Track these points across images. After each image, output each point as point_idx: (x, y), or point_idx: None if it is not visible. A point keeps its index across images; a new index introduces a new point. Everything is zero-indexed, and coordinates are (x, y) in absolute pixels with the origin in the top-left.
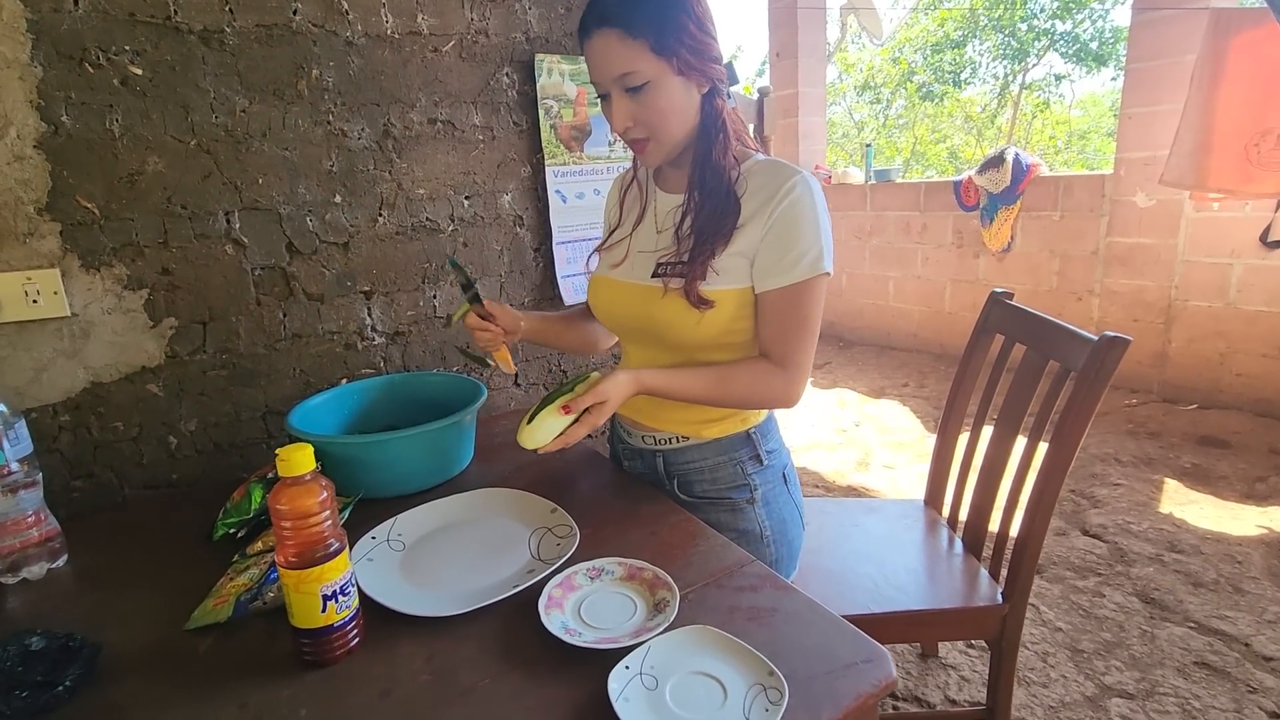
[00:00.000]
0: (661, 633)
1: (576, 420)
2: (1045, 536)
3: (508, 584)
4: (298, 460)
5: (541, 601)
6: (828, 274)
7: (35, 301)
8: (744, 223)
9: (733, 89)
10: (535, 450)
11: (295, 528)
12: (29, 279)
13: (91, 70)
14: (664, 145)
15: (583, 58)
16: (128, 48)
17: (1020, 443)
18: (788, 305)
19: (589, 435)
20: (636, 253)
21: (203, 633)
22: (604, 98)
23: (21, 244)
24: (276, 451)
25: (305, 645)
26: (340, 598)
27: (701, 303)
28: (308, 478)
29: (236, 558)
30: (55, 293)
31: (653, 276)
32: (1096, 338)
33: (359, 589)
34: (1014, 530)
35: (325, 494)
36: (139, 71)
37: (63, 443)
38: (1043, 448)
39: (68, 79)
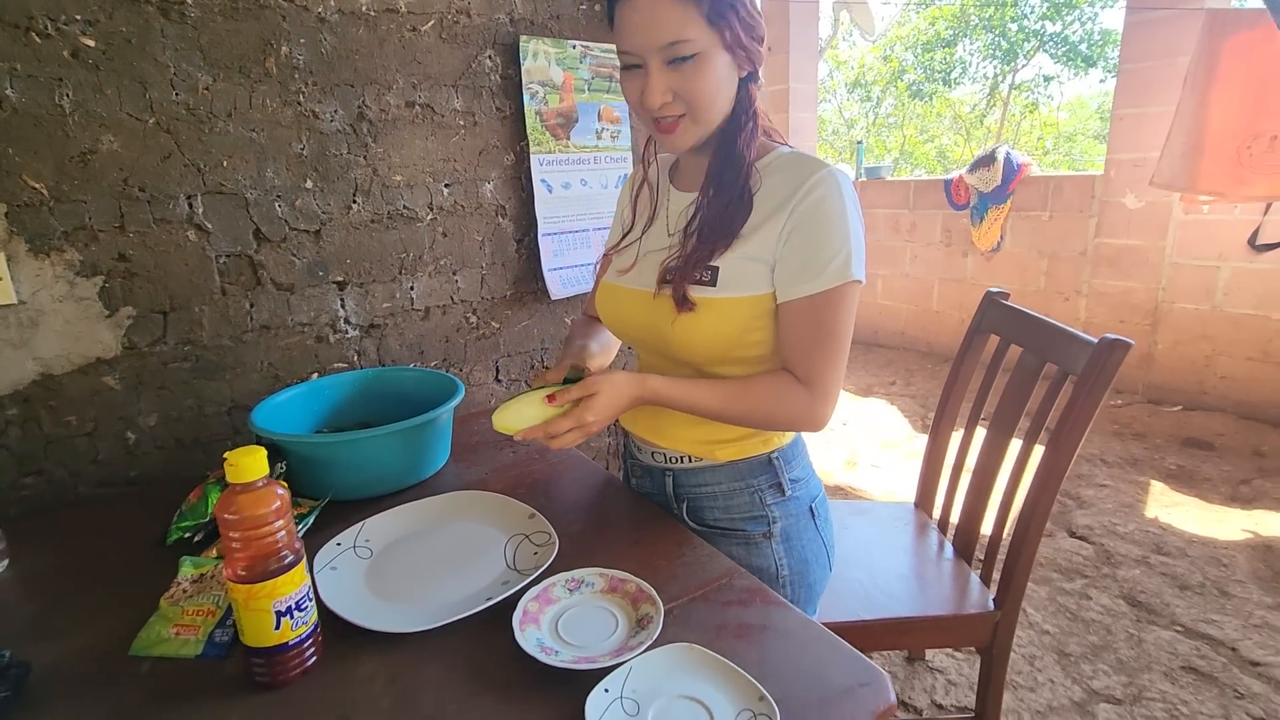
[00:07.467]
0: (644, 651)
1: (564, 414)
2: (1040, 542)
3: (480, 596)
4: (248, 465)
5: (516, 616)
6: (858, 282)
7: None
8: (759, 223)
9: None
10: (511, 436)
11: (245, 539)
12: None
13: (39, 40)
14: (700, 125)
15: (573, 42)
16: (79, 17)
17: (1014, 446)
18: (813, 316)
19: (587, 442)
20: (645, 255)
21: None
22: (631, 68)
23: None
24: (225, 455)
25: (257, 665)
26: (295, 613)
27: (684, 302)
28: (260, 484)
29: (184, 561)
30: (0, 278)
31: (659, 284)
32: (1096, 340)
33: (319, 601)
34: (1006, 534)
35: (279, 502)
36: (91, 43)
37: (11, 437)
38: (1037, 451)
39: (13, 49)
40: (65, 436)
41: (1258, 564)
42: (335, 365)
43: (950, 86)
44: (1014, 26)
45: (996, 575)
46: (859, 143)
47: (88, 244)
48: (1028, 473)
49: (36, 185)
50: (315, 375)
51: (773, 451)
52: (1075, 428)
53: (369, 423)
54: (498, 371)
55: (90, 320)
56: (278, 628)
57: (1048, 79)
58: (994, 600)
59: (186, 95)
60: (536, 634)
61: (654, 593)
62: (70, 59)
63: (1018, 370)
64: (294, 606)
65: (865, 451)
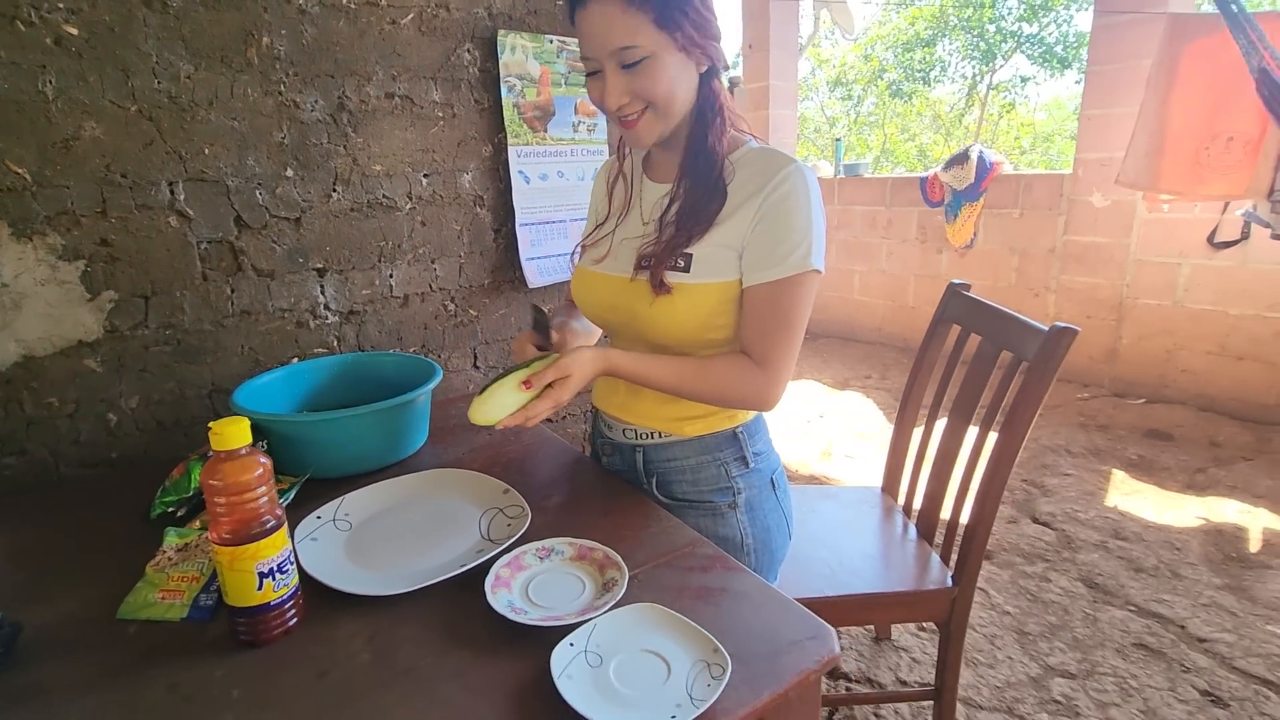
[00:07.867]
0: (608, 611)
1: (537, 397)
2: (994, 522)
3: (455, 564)
4: (231, 434)
5: (488, 581)
6: (817, 272)
7: None
8: (731, 213)
9: (731, 74)
10: (491, 427)
11: (230, 504)
12: None
13: (22, 28)
14: (661, 119)
15: (550, 37)
16: (62, 5)
17: (973, 431)
18: (771, 301)
19: (550, 418)
20: (620, 243)
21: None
22: (593, 74)
23: None
24: (210, 425)
25: (240, 624)
26: (278, 575)
27: (660, 286)
28: (243, 452)
29: (169, 532)
30: None
31: (636, 269)
32: (1047, 328)
33: (300, 568)
34: (965, 516)
35: (261, 469)
36: (74, 31)
37: None
38: (994, 436)
39: None
40: (46, 418)
41: (1209, 547)
42: (315, 350)
43: (930, 86)
44: (992, 27)
45: (955, 554)
46: (837, 140)
47: (70, 228)
48: (984, 456)
49: (19, 170)
50: (295, 360)
51: (737, 426)
52: (1026, 412)
53: (349, 406)
54: (475, 358)
55: (72, 303)
56: (260, 588)
57: (1024, 80)
58: (952, 577)
59: (168, 84)
60: (508, 596)
61: (620, 559)
62: (53, 46)
63: (976, 359)
64: (276, 569)
65: (840, 443)
